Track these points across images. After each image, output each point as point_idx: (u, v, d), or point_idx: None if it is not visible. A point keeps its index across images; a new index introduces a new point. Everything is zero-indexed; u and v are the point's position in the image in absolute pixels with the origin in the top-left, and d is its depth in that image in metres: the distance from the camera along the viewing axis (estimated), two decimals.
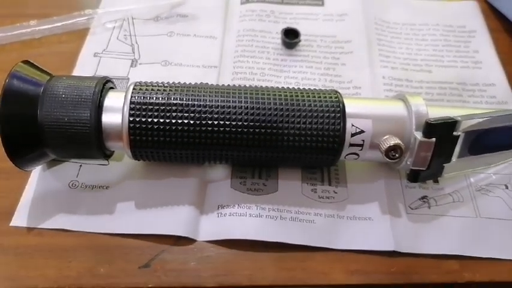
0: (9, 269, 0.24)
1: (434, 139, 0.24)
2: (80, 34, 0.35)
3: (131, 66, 0.33)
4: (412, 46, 0.36)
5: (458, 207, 0.27)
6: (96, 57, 0.33)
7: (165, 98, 0.24)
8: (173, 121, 0.23)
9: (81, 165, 0.27)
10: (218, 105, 0.24)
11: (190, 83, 0.25)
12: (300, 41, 0.35)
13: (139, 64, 0.33)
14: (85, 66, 0.32)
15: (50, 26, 0.34)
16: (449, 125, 0.24)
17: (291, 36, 0.35)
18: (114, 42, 0.34)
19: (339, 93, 0.25)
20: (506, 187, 0.28)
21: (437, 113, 0.25)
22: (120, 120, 0.24)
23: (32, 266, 0.24)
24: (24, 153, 0.24)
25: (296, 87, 0.26)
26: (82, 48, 0.34)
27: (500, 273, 0.25)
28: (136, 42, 0.34)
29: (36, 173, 0.27)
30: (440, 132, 0.24)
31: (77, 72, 0.32)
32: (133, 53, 0.34)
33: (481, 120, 0.25)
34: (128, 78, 0.32)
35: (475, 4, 0.40)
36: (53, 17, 0.34)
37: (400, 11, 0.39)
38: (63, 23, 0.34)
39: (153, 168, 0.27)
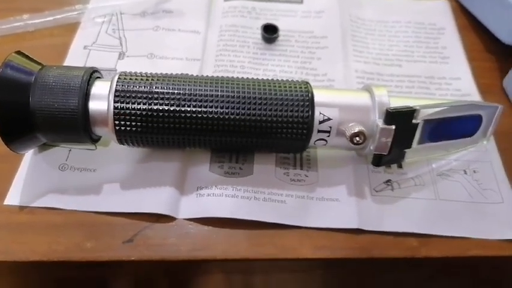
0: (2, 244, 0.26)
1: (394, 126, 0.26)
2: (71, 28, 0.37)
3: (119, 58, 0.35)
4: (385, 42, 0.38)
5: (419, 190, 0.29)
6: (86, 50, 0.35)
7: (147, 86, 0.26)
8: (155, 108, 0.25)
9: (70, 150, 0.29)
10: (197, 93, 0.26)
11: (171, 74, 0.27)
12: (278, 36, 0.37)
13: (127, 57, 0.35)
14: (75, 58, 0.34)
15: (42, 19, 0.36)
16: (408, 113, 0.26)
17: (270, 32, 0.37)
18: (103, 35, 0.36)
19: (309, 83, 0.28)
20: (465, 172, 0.30)
21: (400, 103, 0.27)
22: (106, 107, 0.25)
23: (23, 240, 0.26)
24: (17, 137, 0.25)
25: (270, 79, 0.28)
26: (73, 41, 0.36)
27: (454, 249, 0.27)
28: (124, 36, 0.36)
29: (28, 156, 0.29)
30: (400, 120, 0.26)
31: (67, 63, 0.34)
32: (121, 46, 0.35)
33: (438, 109, 0.27)
34: (116, 70, 0.34)
35: (445, 3, 0.42)
36: (45, 11, 0.36)
37: (375, 8, 0.41)
38: (55, 17, 0.36)
39: (137, 153, 0.29)
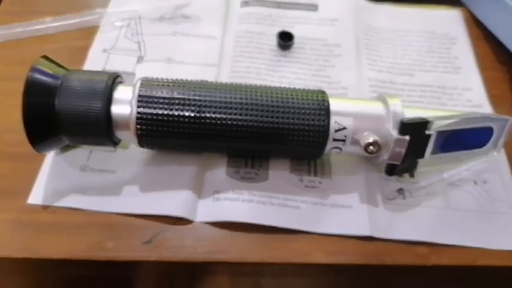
0: (26, 242, 0.26)
1: (408, 137, 0.27)
2: (90, 31, 0.37)
3: (137, 62, 0.35)
4: (398, 51, 0.39)
5: (430, 199, 0.30)
6: (105, 53, 0.36)
7: (169, 92, 0.27)
8: (176, 113, 0.26)
9: (91, 152, 0.30)
10: (217, 100, 0.27)
11: (192, 80, 0.28)
12: (293, 43, 0.38)
13: (145, 61, 0.36)
14: (95, 61, 0.35)
15: (63, 23, 0.37)
16: (422, 124, 0.27)
17: (285, 39, 0.37)
18: (122, 39, 0.37)
19: (325, 93, 0.28)
20: (475, 183, 0.31)
21: (413, 113, 0.28)
22: (129, 112, 0.26)
23: (46, 239, 0.26)
24: (42, 138, 0.26)
25: (287, 87, 0.29)
26: (92, 45, 0.36)
27: (464, 258, 0.27)
28: (143, 41, 0.37)
29: (50, 158, 0.30)
30: (414, 130, 0.27)
31: (87, 66, 0.35)
32: (140, 50, 0.36)
33: (451, 121, 0.28)
34: (134, 74, 0.35)
35: (458, 13, 0.42)
36: (66, 15, 0.37)
37: (388, 17, 0.41)
38: (75, 20, 0.37)
39: (156, 156, 0.30)
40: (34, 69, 0.26)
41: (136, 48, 0.36)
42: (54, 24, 0.36)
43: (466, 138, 0.30)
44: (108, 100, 0.26)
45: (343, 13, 0.41)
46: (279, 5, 0.41)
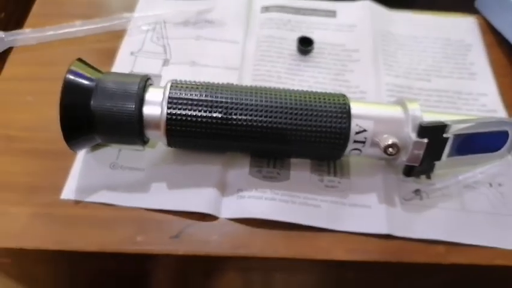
0: (59, 234, 0.28)
1: (426, 140, 0.28)
2: (118, 35, 0.39)
3: (163, 65, 0.37)
4: (414, 57, 0.40)
5: (446, 200, 0.31)
6: (133, 56, 0.37)
7: (197, 94, 0.28)
8: (204, 114, 0.28)
9: (120, 150, 0.32)
10: (242, 102, 0.28)
11: (218, 83, 0.29)
12: (313, 48, 0.39)
13: (170, 64, 0.37)
14: (123, 64, 0.36)
15: (91, 26, 0.38)
16: (440, 128, 0.28)
17: (305, 44, 0.39)
18: (148, 43, 0.38)
19: (346, 96, 0.29)
20: (491, 185, 0.32)
21: (431, 117, 0.29)
22: (159, 112, 0.28)
23: (78, 232, 0.28)
24: (77, 136, 0.28)
25: (310, 90, 0.30)
26: (120, 48, 0.38)
27: (478, 257, 0.28)
28: (168, 44, 0.38)
29: (81, 156, 0.31)
30: (432, 134, 0.28)
31: (115, 68, 0.36)
32: (165, 53, 0.38)
33: (468, 125, 0.29)
34: (161, 76, 0.36)
35: (473, 20, 0.43)
36: (94, 19, 0.38)
37: (405, 24, 0.42)
38: (104, 24, 0.38)
39: (182, 155, 0.31)
40: (71, 71, 0.27)
41: (162, 52, 0.38)
42: (84, 27, 0.38)
43: (481, 142, 0.31)
44: (141, 101, 0.27)
45: (361, 19, 0.42)
46: (299, 11, 0.42)
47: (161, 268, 0.31)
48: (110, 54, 0.37)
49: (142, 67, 0.36)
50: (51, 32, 0.37)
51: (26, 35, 0.37)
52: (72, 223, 0.28)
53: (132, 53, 0.37)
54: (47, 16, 0.40)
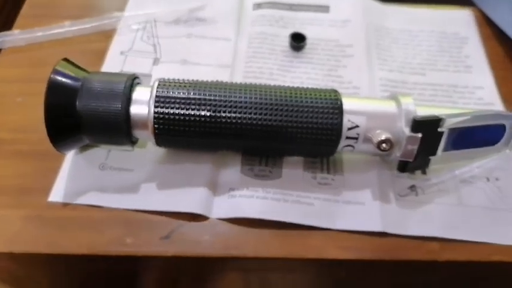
0: (49, 237, 0.27)
1: (420, 134, 0.27)
2: (108, 34, 0.38)
3: (153, 64, 0.36)
4: (409, 51, 0.39)
5: (443, 195, 0.30)
6: (123, 56, 0.37)
7: (185, 93, 0.27)
8: (192, 113, 0.27)
9: (109, 151, 0.31)
10: (231, 100, 0.27)
11: (207, 81, 0.29)
12: (305, 44, 0.38)
13: (161, 62, 0.37)
14: (113, 63, 0.36)
15: (81, 26, 0.38)
16: (434, 122, 0.27)
17: (297, 40, 0.38)
18: (139, 42, 0.38)
19: (338, 92, 0.29)
20: (488, 180, 0.31)
21: (425, 111, 0.28)
22: (146, 112, 0.27)
23: (68, 235, 0.27)
24: (63, 137, 0.27)
25: (300, 86, 0.30)
26: (110, 47, 0.37)
27: (476, 254, 0.28)
28: (158, 43, 0.38)
29: (70, 157, 0.31)
30: (426, 128, 0.27)
31: (105, 68, 0.36)
32: (156, 52, 0.37)
33: (463, 118, 0.28)
34: (151, 75, 0.35)
35: (469, 13, 0.43)
36: (84, 19, 0.38)
37: (399, 18, 0.42)
38: (93, 24, 0.38)
39: (172, 155, 0.31)
40: (56, 71, 0.27)
41: (152, 51, 0.37)
42: (73, 28, 0.37)
43: (478, 136, 0.30)
44: (127, 101, 0.27)
45: (354, 14, 0.41)
46: (291, 7, 0.42)
47: (152, 269, 0.31)
48: (100, 54, 0.37)
49: (132, 66, 0.36)
50: (40, 33, 0.37)
51: (15, 36, 0.37)
52: (62, 225, 0.28)
53: (122, 53, 0.37)
54: (36, 17, 0.39)
